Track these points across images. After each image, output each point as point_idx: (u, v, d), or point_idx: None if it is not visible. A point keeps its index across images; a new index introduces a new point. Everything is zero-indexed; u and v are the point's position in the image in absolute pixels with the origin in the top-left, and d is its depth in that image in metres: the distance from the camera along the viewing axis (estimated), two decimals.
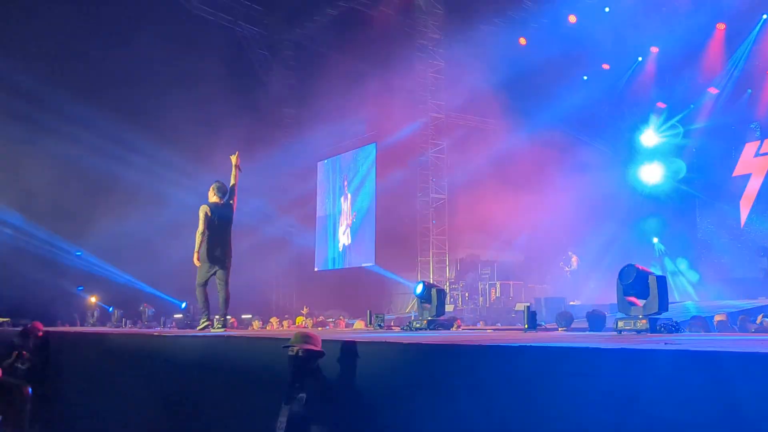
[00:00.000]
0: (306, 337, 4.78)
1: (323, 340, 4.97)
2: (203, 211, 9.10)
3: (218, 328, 8.95)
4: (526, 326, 7.39)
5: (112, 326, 13.47)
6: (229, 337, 7.33)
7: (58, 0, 18.74)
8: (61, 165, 19.04)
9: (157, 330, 11.18)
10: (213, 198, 9.46)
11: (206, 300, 9.35)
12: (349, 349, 4.83)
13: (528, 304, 13.48)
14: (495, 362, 3.71)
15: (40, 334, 10.83)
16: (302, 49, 24.09)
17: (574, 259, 18.60)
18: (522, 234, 20.68)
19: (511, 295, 18.67)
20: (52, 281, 15.56)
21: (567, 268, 18.73)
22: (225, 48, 22.38)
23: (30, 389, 5.78)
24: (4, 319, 18.62)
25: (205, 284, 9.30)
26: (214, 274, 9.22)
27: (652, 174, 19.75)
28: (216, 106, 20.71)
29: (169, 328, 12.94)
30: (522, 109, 20.51)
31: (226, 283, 9.30)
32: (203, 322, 9.17)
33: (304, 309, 19.47)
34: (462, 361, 3.95)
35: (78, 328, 13.50)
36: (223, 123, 20.92)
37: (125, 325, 13.49)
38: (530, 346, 3.58)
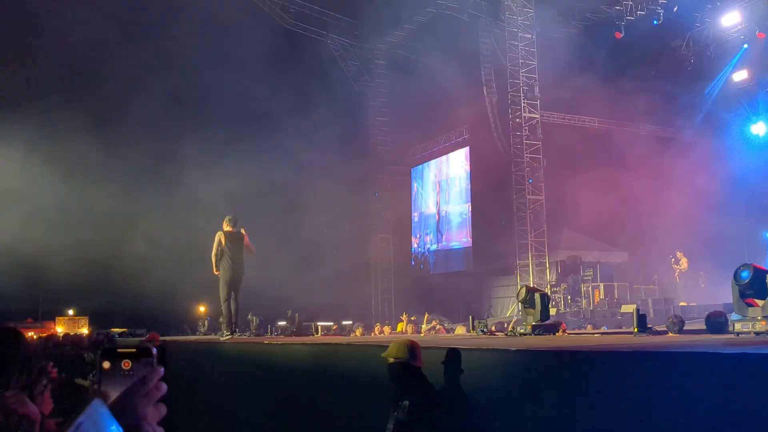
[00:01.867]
0: (404, 347, 4.74)
1: (428, 347, 4.97)
2: (217, 238, 10.50)
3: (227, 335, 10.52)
4: (636, 329, 7.18)
5: (221, 335, 13.98)
6: (337, 344, 7.49)
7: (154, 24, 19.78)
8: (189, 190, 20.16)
9: (265, 338, 11.54)
10: (226, 227, 10.65)
11: (231, 314, 10.70)
12: (455, 356, 4.82)
13: (635, 306, 13.08)
14: (611, 368, 3.64)
15: (158, 344, 11.40)
16: (393, 58, 24.33)
17: (684, 260, 17.84)
18: (625, 233, 20.07)
19: (616, 296, 18.12)
20: (165, 293, 16.33)
21: (677, 268, 17.97)
22: (318, 61, 22.95)
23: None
24: (122, 330, 19.76)
25: (228, 300, 10.61)
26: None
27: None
28: (312, 117, 21.22)
29: (275, 335, 13.33)
30: (620, 105, 19.97)
31: (237, 297, 10.75)
32: (227, 334, 10.59)
33: (404, 315, 19.58)
34: (576, 367, 3.90)
35: (191, 338, 14.10)
36: (318, 133, 21.41)
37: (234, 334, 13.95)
38: (657, 352, 3.49)
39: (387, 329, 16.49)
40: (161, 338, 11.97)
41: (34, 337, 20.63)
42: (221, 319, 10.93)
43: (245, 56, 20.27)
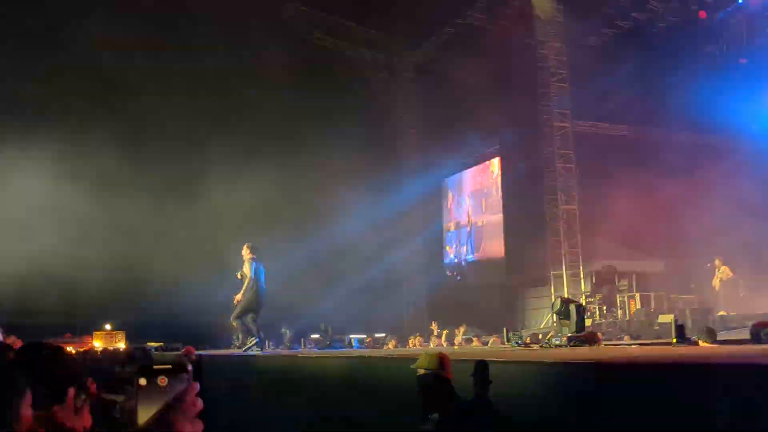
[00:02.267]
0: (434, 359, 4.74)
1: (462, 360, 4.94)
2: (250, 264, 11.46)
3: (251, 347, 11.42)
4: (675, 340, 7.06)
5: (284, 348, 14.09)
6: (369, 357, 7.49)
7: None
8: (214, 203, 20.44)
9: (299, 351, 11.59)
10: (248, 254, 11.63)
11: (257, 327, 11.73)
12: (483, 367, 4.75)
13: (673, 316, 12.86)
14: (650, 381, 3.57)
15: (194, 358, 11.52)
16: (423, 70, 24.39)
17: (724, 268, 17.42)
18: (661, 241, 19.76)
19: (653, 306, 17.81)
20: (199, 306, 16.49)
21: (720, 277, 17.54)
22: (347, 74, 23.11)
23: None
24: (158, 344, 19.94)
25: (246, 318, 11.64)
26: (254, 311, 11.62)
27: None
28: (341, 130, 21.35)
29: (309, 348, 13.41)
30: (652, 112, 19.75)
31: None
32: (251, 341, 11.49)
33: (433, 324, 19.51)
34: (614, 380, 3.83)
35: (225, 351, 14.20)
36: (348, 145, 21.51)
37: (268, 347, 14.06)
38: (699, 363, 3.41)
39: (418, 340, 16.44)
40: (197, 352, 12.09)
41: (73, 351, 20.96)
42: (241, 335, 11.80)
43: (273, 71, 20.50)
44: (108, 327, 25.22)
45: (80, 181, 19.73)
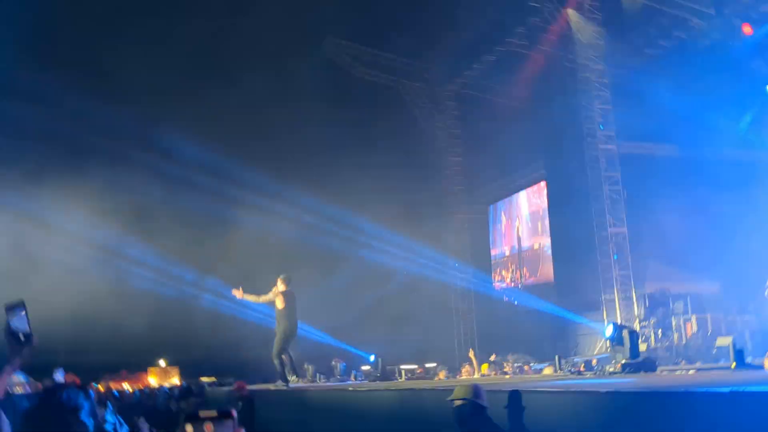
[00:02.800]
0: (469, 389, 4.87)
1: (513, 390, 4.96)
2: (277, 298, 11.74)
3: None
4: (734, 364, 6.85)
5: (307, 382, 14.11)
6: (421, 389, 7.45)
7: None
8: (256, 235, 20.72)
9: (350, 384, 11.59)
10: (283, 287, 11.86)
11: (292, 361, 12.27)
12: (516, 397, 4.84)
13: (731, 339, 12.47)
14: (708, 410, 3.47)
15: (245, 393, 11.64)
16: (464, 98, 24.48)
17: None
18: (715, 261, 19.22)
19: (710, 329, 17.27)
20: (252, 340, 16.65)
21: None
22: (390, 106, 23.34)
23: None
24: (211, 379, 20.18)
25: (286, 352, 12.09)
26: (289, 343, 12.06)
27: None
28: (386, 163, 21.49)
29: (360, 381, 13.37)
30: (699, 130, 19.39)
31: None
32: (294, 379, 12.11)
33: (470, 352, 19.27)
34: (671, 410, 3.73)
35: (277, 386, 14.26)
36: (393, 179, 21.64)
37: (319, 380, 14.08)
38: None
39: (466, 370, 16.24)
40: (249, 387, 12.19)
41: (130, 389, 21.35)
42: (280, 368, 12.03)
43: (314, 104, 20.84)
44: (162, 363, 25.63)
45: (120, 216, 20.26)
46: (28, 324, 2.93)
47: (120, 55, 19.44)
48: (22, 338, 2.91)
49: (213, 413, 1.24)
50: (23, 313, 2.92)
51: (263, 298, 12.03)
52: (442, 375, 15.72)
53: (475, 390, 4.85)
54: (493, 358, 18.28)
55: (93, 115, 19.40)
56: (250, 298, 12.26)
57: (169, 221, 20.97)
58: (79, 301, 18.89)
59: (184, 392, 10.45)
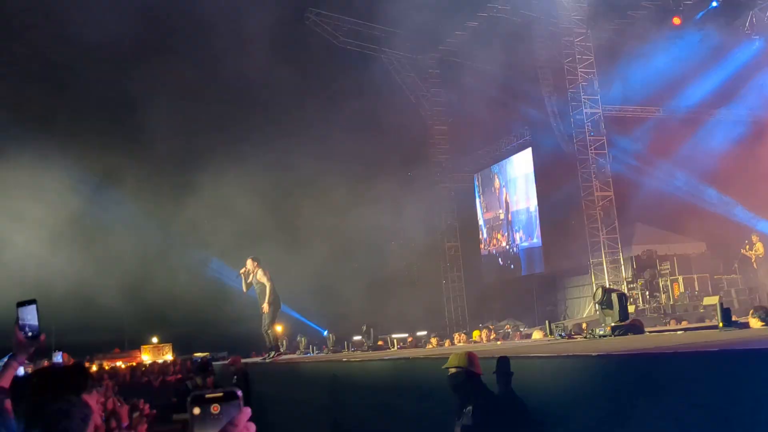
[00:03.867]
0: (463, 357, 5.00)
1: (502, 357, 5.07)
2: (267, 273, 12.09)
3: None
4: (721, 324, 6.94)
5: (300, 354, 14.21)
6: (414, 358, 7.53)
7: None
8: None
9: (344, 355, 11.68)
10: (256, 266, 12.19)
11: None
12: (505, 363, 4.96)
13: (719, 298, 12.65)
14: (698, 370, 3.53)
15: (240, 366, 11.74)
16: (447, 66, 24.31)
17: (759, 244, 17.06)
18: (700, 222, 19.42)
19: (697, 289, 17.53)
20: (242, 316, 16.70)
21: (752, 254, 17.17)
22: (373, 76, 23.17)
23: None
24: (204, 354, 20.28)
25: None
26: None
27: None
28: (370, 132, 21.43)
29: (352, 351, 13.43)
30: (681, 92, 19.48)
31: None
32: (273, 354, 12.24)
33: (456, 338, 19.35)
34: (663, 371, 3.80)
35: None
36: (379, 146, 21.59)
37: (313, 351, 14.16)
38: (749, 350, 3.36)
39: (462, 337, 16.36)
40: (243, 360, 12.29)
41: (123, 366, 21.40)
42: (273, 341, 12.34)
43: (299, 76, 20.65)
44: (155, 340, 25.71)
45: (119, 203, 20.14)
46: (38, 321, 3.00)
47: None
48: (30, 334, 2.98)
49: (219, 394, 1.26)
50: (34, 310, 2.99)
51: (254, 281, 12.23)
52: (433, 342, 15.83)
53: (470, 358, 4.97)
54: (483, 325, 18.42)
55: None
56: (248, 285, 12.41)
57: (169, 203, 20.87)
58: (67, 280, 18.83)
59: (201, 366, 10.75)
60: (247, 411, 1.27)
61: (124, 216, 20.84)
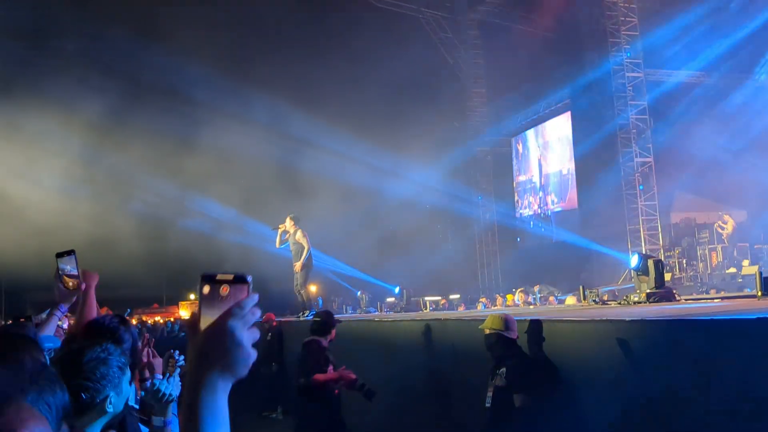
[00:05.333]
0: (499, 320, 5.11)
1: (534, 320, 5.10)
2: (306, 234, 12.12)
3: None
4: (760, 293, 6.83)
5: (361, 312, 14.40)
6: (446, 319, 7.57)
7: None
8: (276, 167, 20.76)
9: (376, 315, 11.80)
10: (293, 226, 12.27)
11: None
12: (537, 326, 5.02)
13: (758, 267, 12.40)
14: (735, 337, 3.50)
15: (275, 324, 11.95)
16: (486, 27, 23.91)
17: (730, 222, 16.74)
18: (742, 191, 18.98)
19: (736, 258, 17.23)
20: (279, 275, 16.94)
21: (723, 232, 16.90)
22: (411, 36, 22.88)
23: None
24: None
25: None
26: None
27: None
28: (408, 94, 21.25)
29: (386, 312, 13.60)
30: (733, 57, 18.84)
31: None
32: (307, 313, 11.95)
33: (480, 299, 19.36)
34: (697, 337, 3.77)
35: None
36: (415, 108, 21.41)
37: (346, 311, 14.35)
38: None
39: (499, 300, 16.41)
40: (277, 318, 12.49)
41: (161, 321, 21.94)
42: (307, 299, 12.46)
43: (337, 39, 20.49)
44: (192, 297, 26.23)
45: (163, 164, 20.37)
46: (78, 270, 3.06)
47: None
48: (71, 285, 3.05)
49: (230, 277, 1.28)
50: (74, 260, 3.05)
51: (291, 239, 12.34)
52: (462, 307, 15.91)
53: (506, 321, 5.08)
54: (516, 289, 18.42)
55: None
56: (282, 242, 12.56)
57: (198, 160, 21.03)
58: (106, 233, 19.23)
59: None
60: (255, 297, 1.29)
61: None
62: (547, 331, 5.00)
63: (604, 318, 4.98)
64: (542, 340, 4.98)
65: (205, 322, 1.25)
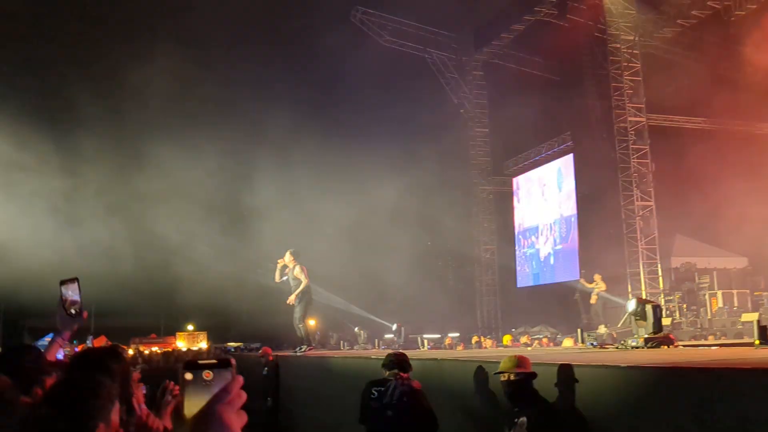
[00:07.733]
0: (516, 361, 4.75)
1: (536, 363, 4.96)
2: (305, 269, 12.00)
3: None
4: (757, 341, 6.83)
5: (330, 349, 14.34)
6: (442, 360, 7.53)
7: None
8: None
9: (372, 352, 11.74)
10: (293, 261, 12.13)
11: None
12: (568, 371, 4.79)
13: (757, 316, 12.37)
14: (729, 387, 3.50)
15: (271, 358, 11.90)
16: (491, 68, 24.22)
17: (602, 284, 16.80)
18: (743, 237, 18.98)
19: (736, 305, 17.17)
20: (277, 309, 16.93)
21: (596, 289, 17.00)
22: (417, 75, 23.22)
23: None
24: (238, 344, 20.58)
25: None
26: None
27: None
28: (412, 132, 21.45)
29: (383, 348, 13.51)
30: (732, 104, 19.01)
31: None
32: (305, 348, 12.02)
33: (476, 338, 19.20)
34: (691, 385, 3.77)
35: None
36: (419, 146, 21.60)
37: (343, 347, 14.29)
38: None
39: (490, 342, 16.33)
40: (274, 353, 12.44)
41: (158, 351, 21.81)
42: (304, 334, 12.23)
43: (345, 75, 20.75)
44: (191, 327, 26.14)
45: (168, 199, 20.45)
46: (80, 299, 3.09)
47: None
48: (73, 312, 3.08)
49: (213, 361, 1.29)
50: (77, 287, 3.08)
51: (291, 275, 12.29)
52: (460, 349, 15.81)
53: (521, 361, 4.77)
54: (516, 330, 18.35)
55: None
56: (282, 278, 12.50)
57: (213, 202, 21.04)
58: (108, 264, 19.20)
59: (210, 356, 10.82)
60: (240, 379, 1.29)
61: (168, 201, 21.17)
62: (540, 374, 4.87)
63: (599, 363, 4.96)
64: (572, 386, 4.57)
65: (189, 408, 1.24)
